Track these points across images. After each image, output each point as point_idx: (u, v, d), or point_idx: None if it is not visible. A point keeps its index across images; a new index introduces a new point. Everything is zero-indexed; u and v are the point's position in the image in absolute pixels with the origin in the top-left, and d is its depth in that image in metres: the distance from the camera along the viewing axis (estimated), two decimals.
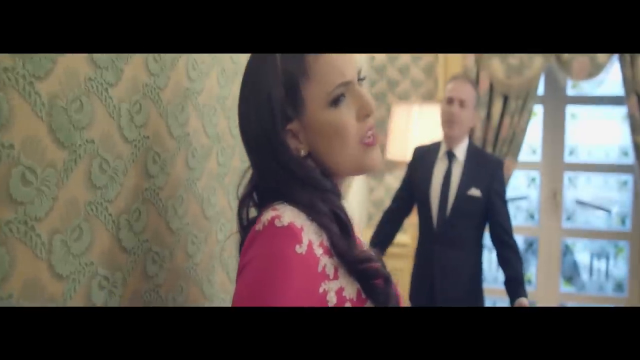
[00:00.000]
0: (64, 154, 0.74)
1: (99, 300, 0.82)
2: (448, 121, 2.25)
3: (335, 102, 0.81)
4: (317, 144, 0.83)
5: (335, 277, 0.76)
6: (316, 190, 0.80)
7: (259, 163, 0.83)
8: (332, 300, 0.75)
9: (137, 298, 0.92)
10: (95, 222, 0.81)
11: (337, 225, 0.78)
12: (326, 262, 0.75)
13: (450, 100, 2.25)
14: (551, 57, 3.01)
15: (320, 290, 0.75)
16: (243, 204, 0.87)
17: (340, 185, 0.88)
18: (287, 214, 0.75)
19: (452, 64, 3.16)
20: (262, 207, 0.83)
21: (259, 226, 0.75)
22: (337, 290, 0.76)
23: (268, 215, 0.75)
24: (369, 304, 0.78)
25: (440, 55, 3.19)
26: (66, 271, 0.75)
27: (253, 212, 0.87)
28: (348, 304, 0.77)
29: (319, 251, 0.75)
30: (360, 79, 0.86)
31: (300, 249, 0.73)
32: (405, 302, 3.08)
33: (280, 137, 0.80)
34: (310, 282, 0.74)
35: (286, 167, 0.80)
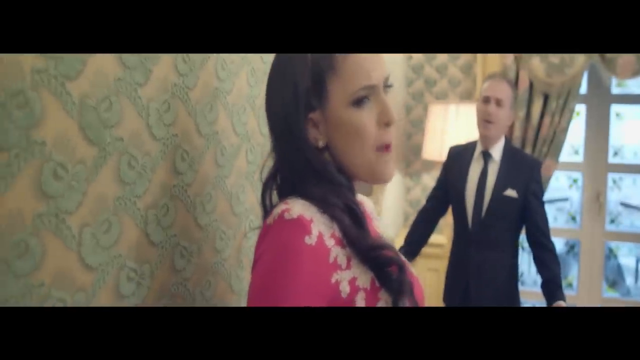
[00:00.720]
0: (94, 151, 0.77)
1: (128, 291, 0.85)
2: (484, 121, 2.22)
3: (358, 102, 0.83)
4: (335, 140, 0.85)
5: (348, 267, 0.77)
6: (330, 184, 0.82)
7: (279, 147, 0.87)
8: (345, 290, 0.76)
9: (165, 291, 0.95)
10: (124, 217, 0.84)
11: (349, 217, 0.80)
12: (338, 253, 0.77)
13: (486, 100, 2.22)
14: (594, 55, 2.93)
15: (333, 280, 0.76)
16: (266, 186, 0.90)
17: (355, 184, 0.89)
18: (296, 207, 0.77)
19: (491, 62, 3.11)
20: (280, 196, 0.87)
21: (270, 220, 0.78)
22: (350, 279, 0.77)
23: (279, 208, 0.78)
24: (382, 292, 0.79)
25: (479, 54, 3.15)
26: (95, 262, 0.79)
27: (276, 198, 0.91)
28: (361, 293, 0.78)
29: (330, 242, 0.77)
30: (387, 86, 0.87)
31: (310, 240, 0.74)
32: (433, 300, 3.05)
33: (300, 121, 0.83)
34: (321, 273, 0.75)
35: (302, 154, 0.83)
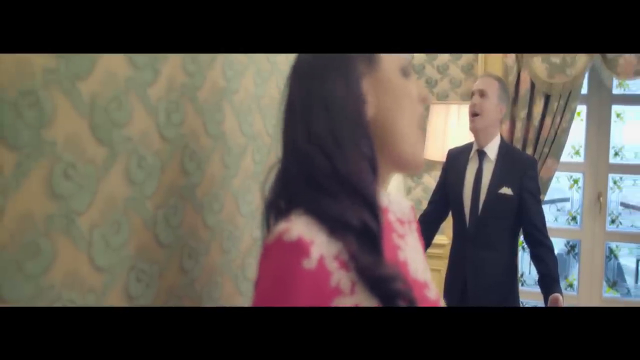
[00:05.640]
0: (104, 151, 0.77)
1: (137, 292, 0.85)
2: (470, 113, 2.28)
3: (405, 72, 0.82)
4: (386, 107, 0.79)
5: (352, 293, 0.71)
6: (351, 197, 0.74)
7: (303, 150, 0.75)
8: None
9: (173, 292, 0.94)
10: (134, 217, 0.83)
11: (363, 240, 0.72)
12: (341, 277, 0.70)
13: (472, 95, 2.29)
14: (596, 55, 2.93)
15: (333, 306, 0.71)
16: (271, 207, 0.81)
17: (384, 185, 0.85)
18: (297, 227, 0.70)
19: (492, 62, 3.11)
20: (287, 210, 0.77)
21: (269, 240, 0.72)
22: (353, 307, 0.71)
23: (279, 227, 0.72)
24: None
25: (480, 54, 3.15)
26: (105, 263, 0.78)
27: None
28: None
29: (332, 265, 0.70)
30: None
31: (309, 264, 0.68)
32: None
33: (361, 87, 0.78)
34: (320, 298, 0.70)
35: (358, 126, 0.76)
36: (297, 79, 0.80)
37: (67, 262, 0.71)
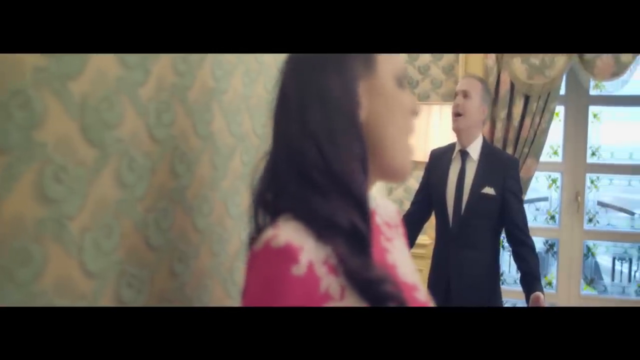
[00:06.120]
0: (94, 153, 0.75)
1: (128, 298, 0.83)
2: (453, 114, 2.29)
3: (400, 82, 0.81)
4: (378, 110, 0.78)
5: (342, 298, 0.69)
6: (342, 198, 0.73)
7: (295, 145, 0.74)
8: None
9: (164, 296, 0.92)
10: (125, 221, 0.81)
11: (352, 242, 0.71)
12: (330, 282, 0.69)
13: (455, 95, 2.31)
14: (574, 57, 2.97)
15: None
16: (259, 201, 0.78)
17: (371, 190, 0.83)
18: (285, 232, 0.69)
19: (473, 63, 3.13)
20: (274, 205, 0.76)
21: (257, 246, 0.70)
22: None
23: (267, 233, 0.70)
24: None
25: (461, 55, 3.17)
26: (97, 269, 0.76)
27: None
28: None
29: (322, 270, 0.68)
30: None
31: (298, 270, 0.67)
32: None
33: (356, 88, 0.77)
34: (310, 305, 0.68)
35: (352, 126, 0.75)
36: (291, 73, 0.78)
37: (58, 268, 0.69)
